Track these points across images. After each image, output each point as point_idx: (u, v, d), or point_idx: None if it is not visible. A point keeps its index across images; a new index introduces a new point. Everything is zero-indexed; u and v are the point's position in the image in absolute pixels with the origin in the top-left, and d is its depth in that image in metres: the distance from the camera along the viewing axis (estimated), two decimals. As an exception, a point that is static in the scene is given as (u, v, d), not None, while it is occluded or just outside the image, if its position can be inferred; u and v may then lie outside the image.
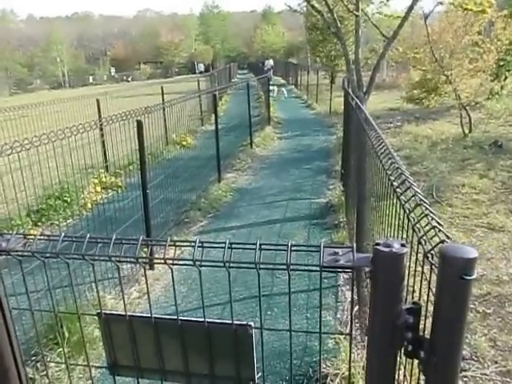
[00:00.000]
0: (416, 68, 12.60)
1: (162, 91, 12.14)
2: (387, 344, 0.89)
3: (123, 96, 17.23)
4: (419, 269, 1.18)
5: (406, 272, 0.89)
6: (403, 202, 1.43)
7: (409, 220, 1.35)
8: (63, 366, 2.77)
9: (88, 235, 1.02)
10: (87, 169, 5.38)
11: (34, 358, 2.83)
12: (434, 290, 0.85)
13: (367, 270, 0.88)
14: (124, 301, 1.22)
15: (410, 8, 6.71)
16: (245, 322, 1.01)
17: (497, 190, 6.09)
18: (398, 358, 0.93)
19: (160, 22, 75.03)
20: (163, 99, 10.66)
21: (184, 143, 8.92)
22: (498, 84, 12.67)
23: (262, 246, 0.93)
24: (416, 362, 0.92)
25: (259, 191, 6.99)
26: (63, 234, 1.04)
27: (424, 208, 1.22)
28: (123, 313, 1.07)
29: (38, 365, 2.80)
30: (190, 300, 3.75)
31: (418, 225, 1.25)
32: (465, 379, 2.72)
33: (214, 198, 6.36)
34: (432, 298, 0.87)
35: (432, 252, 1.05)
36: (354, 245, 0.93)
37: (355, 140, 4.34)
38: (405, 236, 1.41)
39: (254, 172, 8.19)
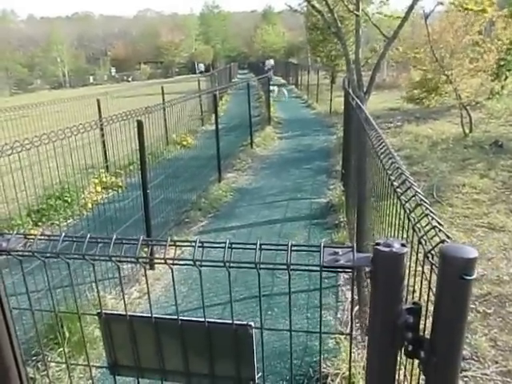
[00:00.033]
0: (416, 68, 12.60)
1: (163, 91, 12.14)
2: (387, 344, 0.89)
3: (123, 96, 17.25)
4: (419, 269, 1.18)
5: (407, 272, 0.89)
6: (403, 202, 1.43)
7: (409, 220, 1.35)
8: (64, 365, 2.77)
9: (88, 235, 1.02)
10: (88, 169, 5.39)
11: (34, 357, 2.83)
12: (434, 289, 0.85)
13: (367, 269, 0.88)
14: (124, 301, 1.22)
15: (411, 8, 6.71)
16: (245, 322, 1.01)
17: (497, 190, 6.09)
18: (399, 358, 0.93)
19: (160, 22, 75.04)
20: (163, 99, 10.66)
21: (184, 143, 8.93)
22: (498, 84, 12.67)
23: (262, 246, 0.93)
24: (416, 361, 0.92)
25: (259, 191, 6.99)
26: (63, 234, 1.04)
27: (424, 208, 1.22)
28: (123, 313, 1.07)
29: (39, 364, 2.80)
30: (190, 300, 3.76)
31: (418, 225, 1.25)
32: (465, 379, 2.72)
33: (214, 198, 6.36)
34: (432, 297, 0.87)
35: (432, 252, 1.05)
36: (355, 245, 0.93)
37: (355, 140, 4.34)
38: (405, 236, 1.41)
39: (255, 172, 8.19)
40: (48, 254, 1.03)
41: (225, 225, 5.59)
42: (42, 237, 1.09)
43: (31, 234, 1.08)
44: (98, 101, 9.02)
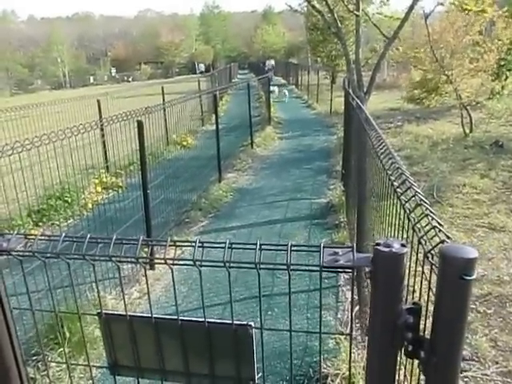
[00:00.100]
0: (417, 68, 12.59)
1: (163, 91, 12.15)
2: (387, 344, 0.89)
3: (124, 96, 17.26)
4: (419, 269, 1.18)
5: (407, 272, 0.89)
6: (403, 202, 1.43)
7: (409, 220, 1.35)
8: (64, 365, 2.77)
9: (88, 235, 1.02)
10: (88, 169, 5.40)
11: (34, 357, 2.84)
12: (434, 290, 0.85)
13: (367, 270, 0.88)
14: (124, 301, 1.22)
15: (411, 8, 6.72)
16: (245, 322, 1.01)
17: (498, 190, 6.09)
18: (399, 358, 0.93)
19: (160, 23, 75.06)
20: (164, 99, 10.67)
21: (184, 143, 8.93)
22: (498, 84, 12.67)
23: (263, 246, 0.93)
24: (416, 362, 0.92)
25: (260, 191, 6.99)
26: (64, 234, 1.04)
27: (424, 208, 1.22)
28: (124, 313, 1.07)
29: (39, 364, 2.81)
30: (190, 300, 3.76)
31: (418, 225, 1.25)
32: (465, 379, 2.72)
33: (214, 198, 6.37)
34: (432, 298, 0.87)
35: (432, 252, 1.05)
36: (354, 245, 0.93)
37: (356, 140, 4.34)
38: (405, 236, 1.41)
39: (255, 172, 8.19)
40: (48, 255, 1.04)
41: (225, 225, 5.59)
42: (43, 237, 1.10)
43: (31, 235, 1.08)
44: (99, 101, 9.03)
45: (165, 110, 6.60)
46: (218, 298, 3.71)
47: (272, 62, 36.67)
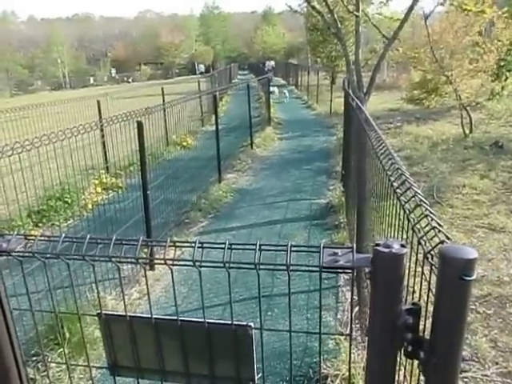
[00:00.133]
0: (416, 68, 12.60)
1: (163, 92, 12.16)
2: (387, 345, 0.89)
3: (124, 97, 17.27)
4: (419, 269, 1.18)
5: (406, 272, 0.89)
6: (403, 203, 1.44)
7: (409, 220, 1.35)
8: (64, 366, 2.77)
9: (88, 236, 1.02)
10: (88, 170, 5.39)
11: (34, 358, 2.84)
12: (434, 290, 0.85)
13: (367, 270, 0.88)
14: (124, 301, 1.22)
15: (410, 9, 6.72)
16: (245, 323, 1.01)
17: (497, 191, 6.09)
18: (398, 359, 0.93)
19: (160, 23, 75.09)
20: (163, 100, 10.67)
21: (184, 144, 8.94)
22: (498, 84, 12.66)
23: (262, 247, 0.93)
24: (416, 362, 0.92)
25: (260, 192, 6.99)
26: (64, 235, 1.04)
27: (424, 208, 1.22)
28: (123, 313, 1.07)
29: (39, 365, 2.81)
30: (190, 301, 3.76)
31: (417, 225, 1.25)
32: (465, 380, 2.72)
33: (214, 199, 6.37)
34: (432, 298, 0.87)
35: (432, 252, 1.06)
36: (354, 245, 0.93)
37: (355, 141, 4.34)
38: (405, 236, 1.41)
39: (255, 173, 8.19)
40: (48, 255, 1.04)
41: (225, 225, 5.59)
42: (42, 238, 1.10)
43: (31, 235, 1.09)
44: (98, 102, 9.03)
45: (165, 111, 6.61)
46: (218, 298, 3.71)
47: (272, 62, 36.67)
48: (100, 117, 8.35)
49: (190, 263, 0.94)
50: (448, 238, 1.01)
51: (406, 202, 1.42)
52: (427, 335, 0.88)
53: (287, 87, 25.75)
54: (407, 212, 1.38)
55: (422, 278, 1.16)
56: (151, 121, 4.96)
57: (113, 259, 0.98)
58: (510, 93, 13.01)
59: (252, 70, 44.51)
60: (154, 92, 17.34)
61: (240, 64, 52.48)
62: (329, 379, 2.66)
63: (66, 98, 11.81)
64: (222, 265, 0.94)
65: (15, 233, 1.09)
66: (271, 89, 15.94)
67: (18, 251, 1.05)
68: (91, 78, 60.07)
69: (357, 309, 3.24)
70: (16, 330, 1.16)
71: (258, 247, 0.92)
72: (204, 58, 62.57)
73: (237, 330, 1.01)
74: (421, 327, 0.91)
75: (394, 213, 1.67)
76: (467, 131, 9.44)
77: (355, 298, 3.31)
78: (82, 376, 2.80)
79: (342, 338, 3.03)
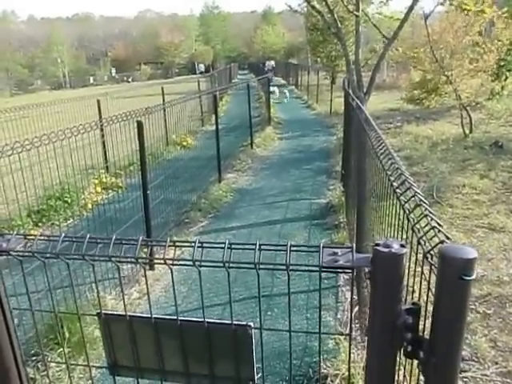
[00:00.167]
0: (416, 68, 12.60)
1: (163, 92, 12.16)
2: (387, 344, 0.89)
3: (124, 97, 17.26)
4: (419, 269, 1.18)
5: (406, 272, 0.89)
6: (403, 203, 1.44)
7: (408, 220, 1.35)
8: (63, 366, 2.77)
9: (88, 235, 1.02)
10: (88, 169, 5.39)
11: (34, 358, 2.84)
12: (433, 290, 0.85)
13: (367, 270, 0.88)
14: (124, 301, 1.22)
15: (410, 8, 6.72)
16: (244, 323, 1.01)
17: (497, 191, 6.09)
18: (398, 359, 0.93)
19: (160, 23, 75.10)
20: (163, 100, 10.67)
21: (184, 144, 8.94)
22: (498, 84, 12.66)
23: (262, 247, 0.93)
24: (416, 362, 0.92)
25: (260, 192, 6.99)
26: (63, 235, 1.04)
27: (424, 208, 1.22)
28: (123, 313, 1.07)
29: (39, 365, 2.81)
30: (190, 300, 3.76)
31: (417, 225, 1.25)
32: (465, 380, 2.72)
33: (214, 199, 6.37)
34: (432, 298, 0.87)
35: (431, 252, 1.06)
36: (354, 245, 0.93)
37: (355, 140, 4.34)
38: (404, 236, 1.41)
39: (255, 172, 8.19)
40: (48, 255, 1.04)
41: (225, 225, 5.59)
42: (42, 237, 1.10)
43: (31, 235, 1.09)
44: (98, 101, 9.03)
45: (164, 111, 6.61)
46: (218, 298, 3.71)
47: (272, 62, 36.56)
48: (100, 116, 8.35)
49: (190, 263, 0.94)
50: (448, 238, 1.01)
51: (405, 202, 1.42)
52: (427, 335, 0.88)
53: (287, 87, 25.74)
54: (407, 212, 1.38)
55: (421, 278, 1.16)
56: (151, 120, 4.96)
57: (112, 259, 0.98)
58: (509, 93, 13.01)
59: (252, 69, 44.51)
60: (153, 92, 17.34)
61: (240, 64, 52.47)
62: (328, 379, 2.66)
63: (66, 97, 11.81)
64: (221, 264, 0.94)
65: (15, 232, 1.09)
66: (271, 89, 15.93)
67: (18, 251, 1.05)
68: (91, 78, 60.06)
69: (356, 309, 3.24)
70: (16, 330, 1.16)
71: (257, 247, 0.92)
72: (204, 58, 62.56)
73: (236, 330, 1.01)
74: (420, 327, 0.91)
75: (394, 213, 1.67)
76: (467, 131, 9.44)
77: (355, 297, 3.31)
78: (81, 376, 2.80)
79: (342, 337, 3.04)
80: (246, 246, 0.94)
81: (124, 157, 5.86)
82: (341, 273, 3.29)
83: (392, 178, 1.67)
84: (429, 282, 1.02)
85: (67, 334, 2.87)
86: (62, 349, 2.77)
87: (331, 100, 15.02)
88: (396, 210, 1.62)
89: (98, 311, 1.08)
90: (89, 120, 4.31)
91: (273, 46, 51.55)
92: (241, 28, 75.89)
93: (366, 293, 2.72)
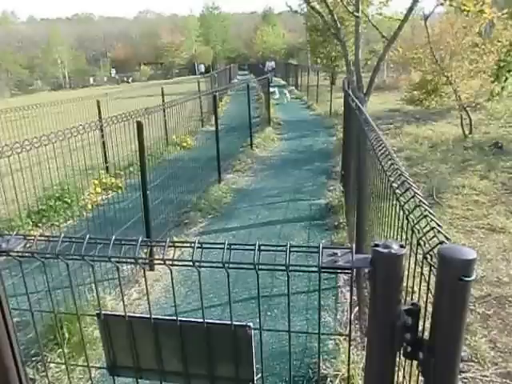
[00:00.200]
0: (416, 69, 12.60)
1: (163, 92, 12.16)
2: (386, 345, 0.89)
3: (123, 97, 17.26)
4: (419, 270, 1.18)
5: (406, 273, 0.89)
6: (403, 203, 1.44)
7: (408, 221, 1.35)
8: (63, 366, 2.77)
9: (88, 236, 1.02)
10: (87, 170, 5.39)
11: (34, 358, 2.83)
12: (433, 291, 0.85)
13: (366, 270, 0.88)
14: (124, 302, 1.22)
15: (410, 9, 6.73)
16: (244, 323, 1.01)
17: (497, 192, 6.09)
18: (397, 359, 0.93)
19: (160, 23, 75.18)
20: (163, 100, 10.67)
21: (184, 144, 8.94)
22: (498, 85, 12.65)
23: (262, 247, 0.93)
24: (415, 363, 0.92)
25: (259, 192, 6.99)
26: (63, 235, 1.04)
27: (423, 209, 1.22)
28: (123, 313, 1.07)
29: (39, 365, 2.80)
30: (189, 301, 3.75)
31: (417, 226, 1.25)
32: (464, 381, 2.72)
33: (214, 199, 6.36)
34: (431, 299, 0.87)
35: (431, 253, 1.05)
36: (353, 246, 0.93)
37: (355, 141, 4.34)
38: (404, 237, 1.41)
39: (254, 173, 8.19)
40: (47, 255, 1.04)
41: (225, 226, 5.59)
42: (42, 238, 1.10)
43: (31, 235, 1.09)
44: (98, 102, 9.03)
45: (164, 111, 6.61)
46: (218, 298, 3.70)
47: (272, 63, 36.47)
48: (100, 117, 8.35)
49: (190, 263, 0.94)
50: (447, 239, 1.01)
51: (405, 203, 1.42)
52: (426, 336, 0.88)
53: (287, 87, 25.73)
54: (406, 212, 1.38)
55: (421, 279, 1.16)
56: (151, 121, 4.96)
57: (112, 259, 0.98)
58: (509, 93, 13.00)
59: (252, 70, 44.49)
60: (153, 92, 17.32)
61: (240, 64, 52.47)
62: (328, 379, 2.66)
63: (66, 98, 11.81)
64: (221, 265, 0.94)
65: (14, 233, 1.09)
66: (272, 89, 15.93)
67: (18, 251, 1.05)
68: (91, 78, 60.05)
69: (356, 309, 3.24)
70: (15, 330, 1.16)
71: (257, 247, 0.92)
72: (204, 59, 62.55)
73: (236, 331, 1.01)
74: (420, 327, 0.91)
75: (394, 213, 1.67)
76: (467, 132, 9.44)
77: (355, 298, 3.31)
78: (81, 376, 2.80)
79: (342, 338, 3.04)
80: (246, 247, 0.94)
81: (124, 157, 5.86)
82: (340, 273, 3.29)
83: (392, 179, 1.67)
84: (428, 283, 1.02)
85: (67, 335, 2.87)
86: (61, 349, 2.77)
87: (331, 101, 15.02)
88: (396, 211, 1.62)
89: (98, 312, 1.08)
90: (89, 120, 4.31)
91: (273, 47, 51.63)
92: (241, 29, 75.94)
93: (366, 293, 2.72)
